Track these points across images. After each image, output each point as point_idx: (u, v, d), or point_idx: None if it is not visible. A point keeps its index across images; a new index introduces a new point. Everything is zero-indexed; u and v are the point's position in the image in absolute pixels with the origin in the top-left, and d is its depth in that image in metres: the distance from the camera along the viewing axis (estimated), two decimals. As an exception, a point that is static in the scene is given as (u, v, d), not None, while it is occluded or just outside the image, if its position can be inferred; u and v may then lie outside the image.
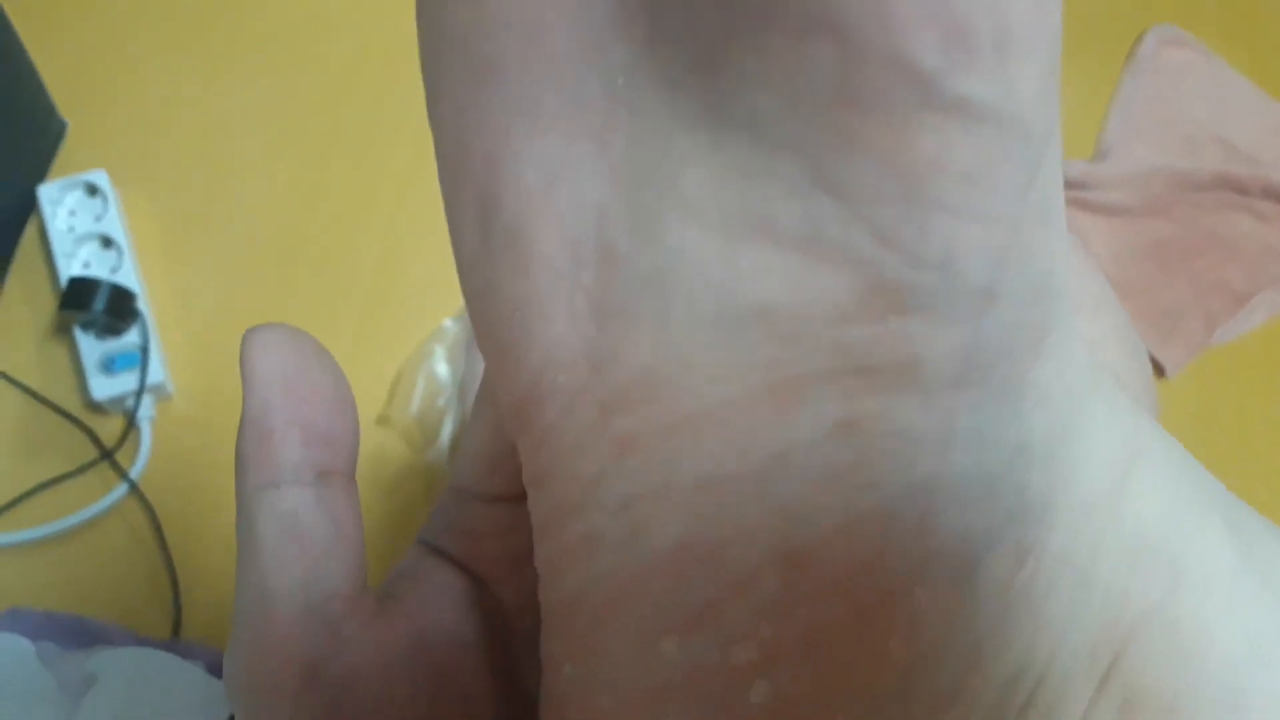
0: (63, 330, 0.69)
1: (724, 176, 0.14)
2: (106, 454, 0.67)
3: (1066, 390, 0.15)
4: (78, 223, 0.70)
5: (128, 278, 0.68)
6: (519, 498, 0.21)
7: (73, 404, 0.68)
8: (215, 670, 0.58)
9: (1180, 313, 0.90)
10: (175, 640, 0.64)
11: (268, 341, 0.18)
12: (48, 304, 0.69)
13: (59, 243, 0.69)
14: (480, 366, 0.73)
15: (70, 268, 0.68)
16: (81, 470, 0.66)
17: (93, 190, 0.70)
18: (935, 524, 0.14)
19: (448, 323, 0.73)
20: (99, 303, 0.64)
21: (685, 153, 0.14)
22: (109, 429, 0.68)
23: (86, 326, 0.67)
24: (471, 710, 0.19)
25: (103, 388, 0.66)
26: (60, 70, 0.73)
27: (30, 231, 0.71)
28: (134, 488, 0.66)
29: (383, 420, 0.71)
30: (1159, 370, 0.88)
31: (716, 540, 0.15)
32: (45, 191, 0.69)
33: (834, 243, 0.14)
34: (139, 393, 0.66)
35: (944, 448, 0.14)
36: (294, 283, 0.73)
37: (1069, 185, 0.93)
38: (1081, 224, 0.92)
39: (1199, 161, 0.96)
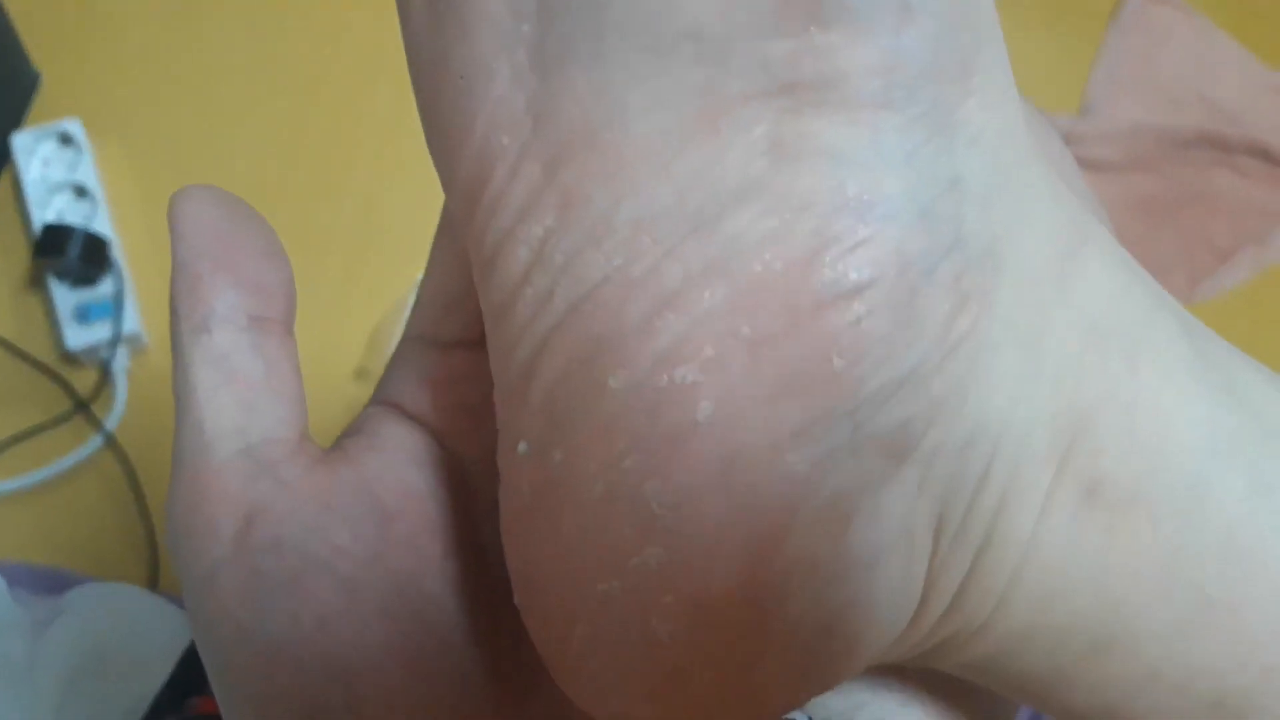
0: (37, 281, 0.68)
1: None
2: (82, 405, 0.66)
3: (1002, 139, 0.16)
4: (51, 172, 0.69)
5: (102, 226, 0.67)
6: (476, 342, 0.21)
7: (48, 355, 0.67)
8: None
9: (1165, 268, 0.90)
10: (152, 593, 0.63)
11: (196, 196, 0.19)
12: (21, 253, 0.69)
13: (33, 191, 0.68)
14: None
15: (44, 217, 0.67)
16: (56, 422, 0.66)
17: (66, 139, 0.69)
18: (869, 240, 0.15)
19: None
20: (73, 250, 0.64)
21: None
22: (84, 381, 0.67)
23: (61, 275, 0.66)
24: (420, 559, 0.19)
25: (77, 337, 0.65)
26: (33, 19, 0.72)
27: (3, 181, 0.70)
28: (110, 439, 0.65)
29: (361, 373, 0.70)
30: (1143, 326, 0.88)
31: (652, 270, 0.15)
32: (19, 140, 0.68)
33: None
34: (114, 342, 0.65)
35: (872, 168, 0.15)
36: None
37: (1053, 142, 0.93)
38: (1066, 180, 0.91)
39: (1183, 118, 0.96)
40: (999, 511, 0.16)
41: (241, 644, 0.17)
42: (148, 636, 0.50)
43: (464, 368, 0.21)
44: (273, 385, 0.18)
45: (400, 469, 0.20)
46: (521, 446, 0.16)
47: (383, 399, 0.22)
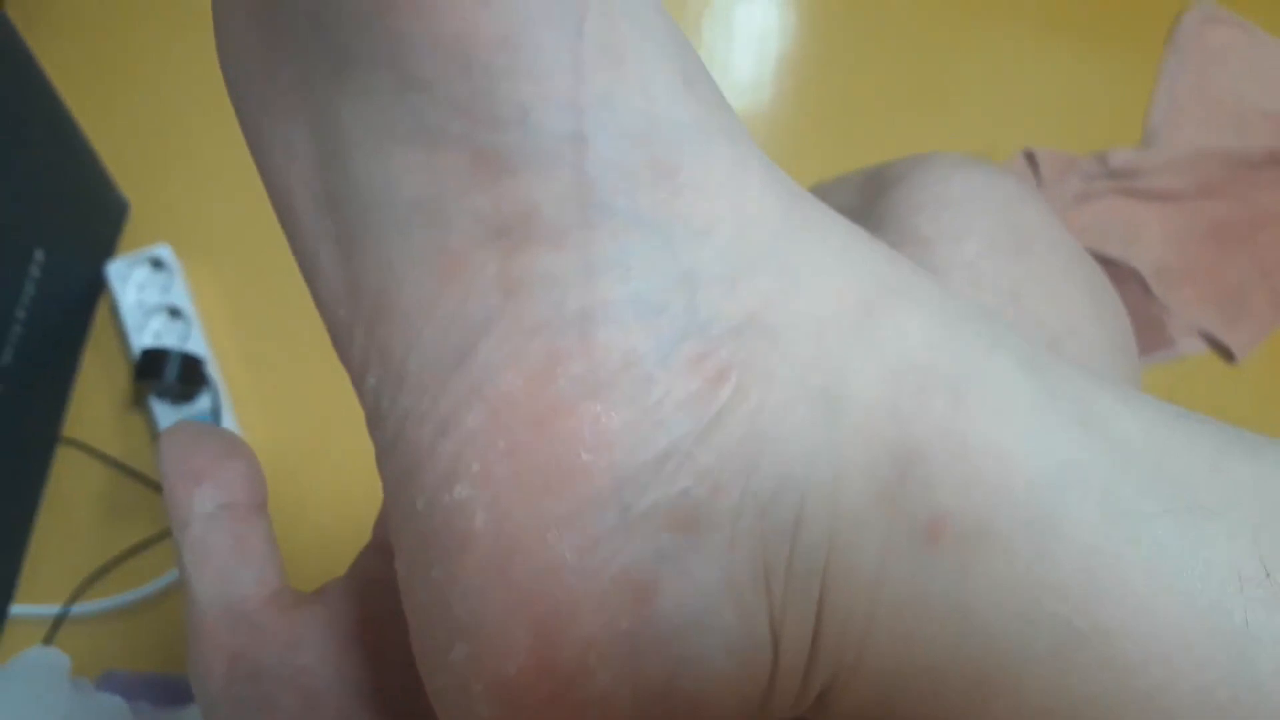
0: (138, 400, 0.71)
1: (355, 105, 0.17)
2: (188, 516, 0.69)
3: (746, 225, 0.17)
4: (146, 296, 0.72)
5: (196, 345, 0.71)
6: None
7: (153, 470, 0.70)
8: None
9: (1245, 294, 0.88)
10: (265, 693, 0.66)
11: (174, 431, 0.24)
12: (123, 376, 0.72)
13: (129, 316, 0.72)
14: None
15: (142, 339, 0.71)
16: (163, 536, 0.69)
17: (158, 264, 0.73)
18: (595, 348, 0.16)
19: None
20: (171, 371, 0.67)
21: (332, 97, 0.18)
22: (188, 492, 0.70)
23: (161, 395, 0.69)
24: (377, 673, 0.22)
25: (180, 453, 0.68)
26: (118, 150, 0.76)
27: (102, 308, 0.74)
28: (216, 547, 0.68)
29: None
30: (1227, 355, 0.86)
31: (432, 404, 0.17)
32: (113, 269, 0.72)
33: (435, 129, 0.16)
34: (214, 455, 0.68)
35: (588, 281, 0.16)
36: (354, 336, 0.75)
37: (1117, 175, 0.92)
38: (1134, 212, 0.91)
39: (1250, 139, 0.95)
40: (829, 554, 0.17)
41: None
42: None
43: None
44: (242, 555, 0.23)
45: (368, 601, 0.23)
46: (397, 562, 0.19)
47: (374, 537, 0.25)
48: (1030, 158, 0.92)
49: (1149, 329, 0.87)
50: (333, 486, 0.71)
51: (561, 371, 0.16)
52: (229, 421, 0.69)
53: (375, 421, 0.19)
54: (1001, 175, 0.35)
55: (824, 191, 0.40)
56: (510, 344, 0.17)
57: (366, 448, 0.68)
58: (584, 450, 0.16)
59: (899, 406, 0.17)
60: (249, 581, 0.23)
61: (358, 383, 0.19)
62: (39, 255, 0.65)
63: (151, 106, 0.82)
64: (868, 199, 0.35)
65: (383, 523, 0.26)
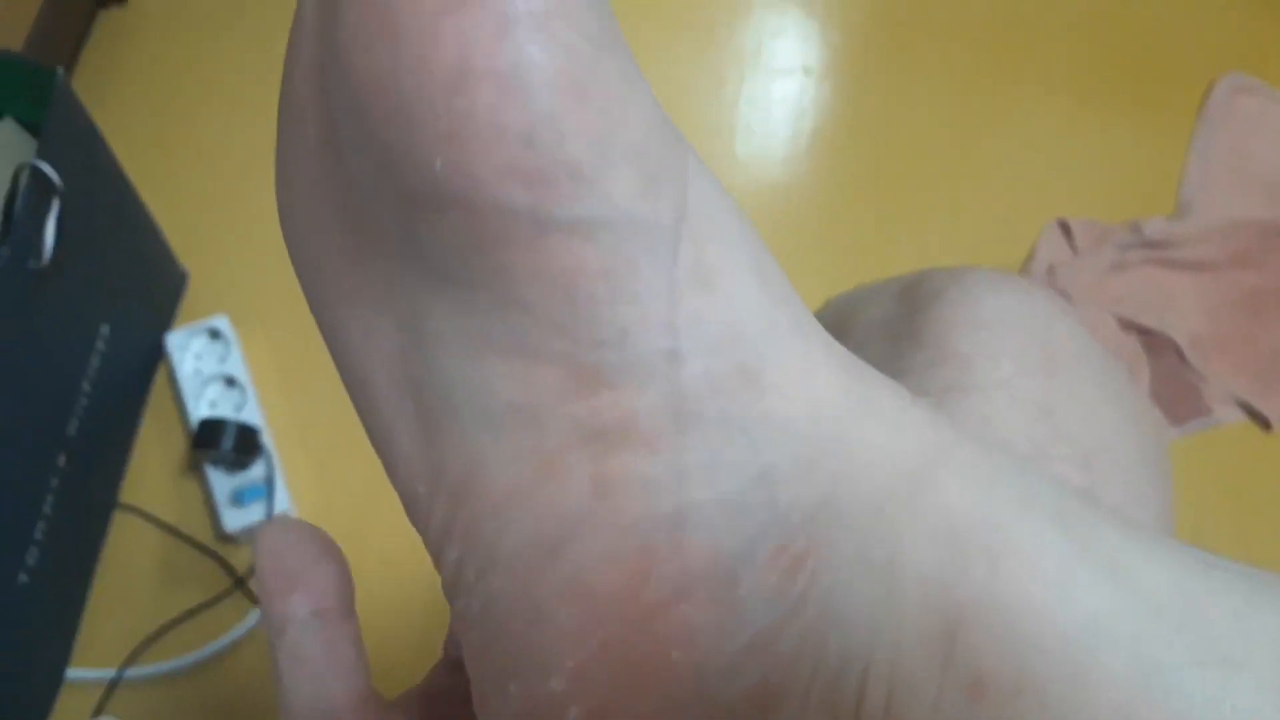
0: (194, 467, 0.73)
1: (450, 312, 0.18)
2: (240, 582, 0.71)
3: (815, 415, 0.18)
4: (203, 365, 0.75)
5: (251, 414, 0.73)
6: None
7: (206, 536, 0.72)
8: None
9: (1277, 362, 0.89)
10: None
11: (268, 530, 0.24)
12: (179, 443, 0.74)
13: (187, 385, 0.74)
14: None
15: (198, 408, 0.73)
16: (217, 600, 0.70)
17: (215, 334, 0.75)
18: (686, 549, 0.17)
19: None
20: (227, 441, 0.69)
21: (424, 301, 0.18)
22: (241, 558, 0.72)
23: (216, 463, 0.71)
24: None
25: (234, 519, 0.70)
26: (178, 222, 0.79)
27: (160, 377, 0.76)
28: (267, 613, 0.70)
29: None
30: (1264, 423, 0.87)
31: (524, 593, 0.18)
32: (172, 338, 0.75)
33: (535, 345, 0.17)
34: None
35: (679, 485, 0.17)
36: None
37: (1150, 246, 0.93)
38: (1169, 281, 0.91)
39: (1283, 208, 0.96)
40: (887, 716, 0.18)
41: None
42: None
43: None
44: (333, 663, 0.24)
45: (445, 706, 0.25)
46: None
47: (445, 654, 0.26)
48: (1064, 227, 0.93)
49: (1185, 397, 0.88)
50: (382, 555, 0.72)
51: (655, 571, 0.17)
52: (281, 489, 0.71)
53: (456, 591, 0.19)
54: (1031, 291, 0.36)
55: (861, 300, 0.41)
56: (604, 541, 0.17)
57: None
58: (675, 649, 0.17)
59: (946, 574, 0.18)
60: (340, 690, 0.24)
61: (435, 551, 0.20)
62: (105, 330, 0.68)
63: (210, 178, 0.85)
64: (905, 311, 0.36)
65: (453, 640, 0.27)
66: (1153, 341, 0.90)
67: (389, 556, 0.72)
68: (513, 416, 0.18)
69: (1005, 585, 0.18)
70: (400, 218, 0.18)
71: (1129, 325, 0.90)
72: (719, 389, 0.17)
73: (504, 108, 0.16)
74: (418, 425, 0.19)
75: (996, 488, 0.19)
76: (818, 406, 0.18)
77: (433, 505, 0.19)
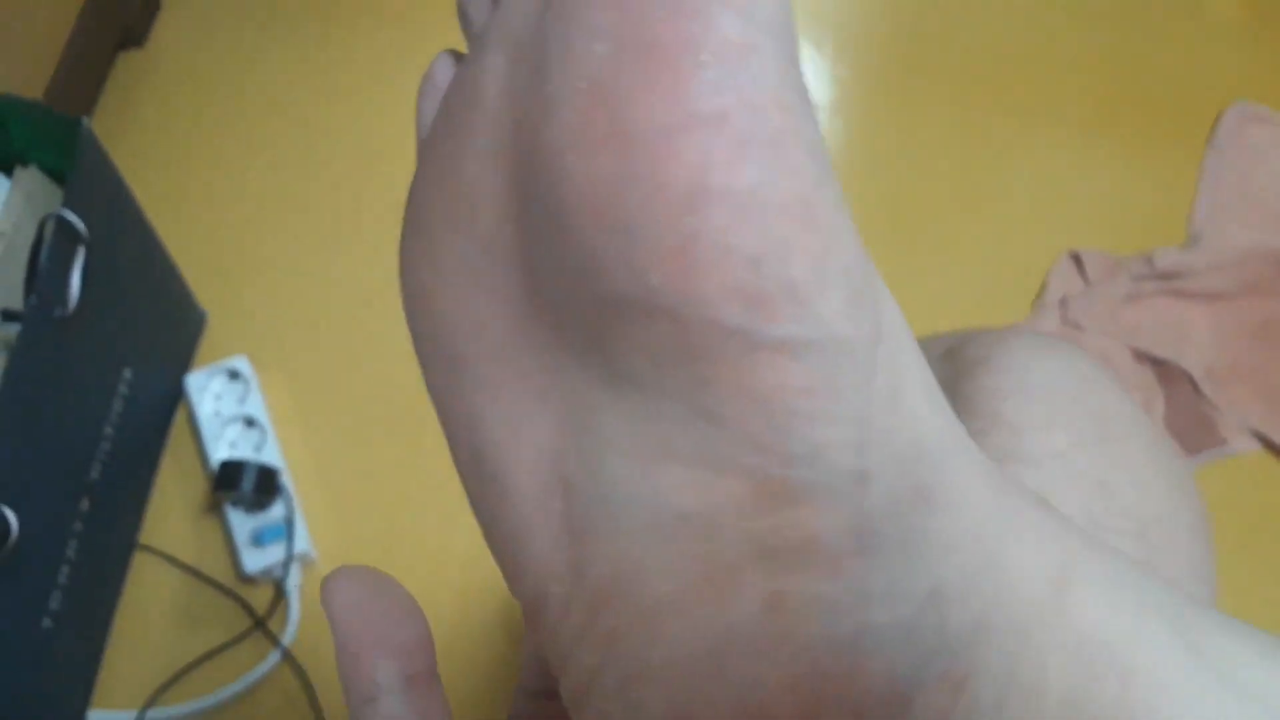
0: (214, 508, 0.74)
1: (629, 418, 0.18)
2: (260, 623, 0.71)
3: (975, 532, 0.18)
4: (223, 406, 0.75)
5: (271, 455, 0.73)
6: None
7: (226, 577, 0.73)
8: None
9: (1294, 392, 0.89)
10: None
11: (341, 580, 0.22)
12: (199, 484, 0.75)
13: (207, 426, 0.74)
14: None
15: (218, 449, 0.74)
16: (237, 640, 0.71)
17: (234, 375, 0.76)
18: (863, 673, 0.17)
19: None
20: (247, 483, 0.69)
21: (598, 403, 0.18)
22: (260, 599, 0.72)
23: (236, 504, 0.72)
24: None
25: (254, 560, 0.70)
26: (197, 262, 0.80)
27: (180, 418, 0.77)
28: (286, 654, 0.70)
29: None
30: (1276, 451, 0.87)
31: (685, 710, 0.17)
32: (192, 380, 0.75)
33: (723, 457, 0.17)
34: (287, 563, 0.70)
35: (858, 608, 0.17)
36: (419, 444, 0.78)
37: (1163, 277, 0.93)
38: (1182, 312, 0.92)
39: (1295, 237, 0.96)
40: None
41: None
42: None
43: (552, 712, 0.25)
44: None
45: None
46: None
47: (523, 681, 0.26)
48: (1076, 259, 0.94)
49: (1200, 428, 0.88)
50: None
51: (830, 694, 0.17)
52: (301, 529, 0.71)
53: (588, 697, 0.19)
54: (1077, 357, 0.36)
55: None
56: (775, 661, 0.17)
57: (434, 553, 0.71)
58: None
59: (1083, 693, 0.18)
60: None
61: (562, 653, 0.19)
62: (127, 374, 0.68)
63: (227, 218, 0.86)
64: (951, 375, 0.37)
65: (531, 667, 0.27)
66: (1166, 372, 0.90)
67: (408, 596, 0.72)
68: (683, 526, 0.17)
69: (1135, 703, 0.18)
70: (591, 320, 0.18)
71: (1142, 356, 0.90)
72: (899, 510, 0.17)
73: (736, 229, 0.16)
74: (562, 525, 0.19)
75: (1121, 597, 0.19)
76: (978, 524, 0.18)
77: (569, 607, 0.19)
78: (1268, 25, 1.05)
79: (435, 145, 0.21)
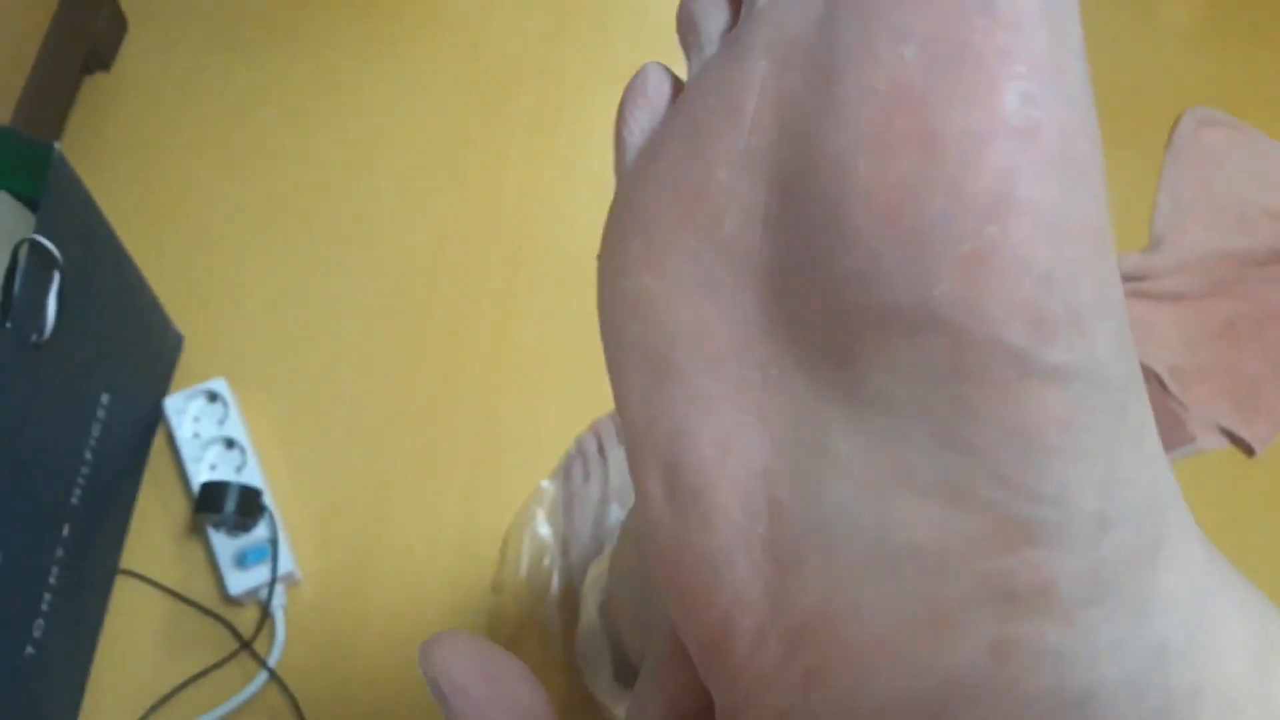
0: (197, 531, 0.74)
1: (866, 442, 0.17)
2: (245, 644, 0.71)
3: (1194, 590, 0.17)
4: (202, 429, 0.75)
5: (252, 476, 0.73)
6: None
7: (211, 599, 0.72)
8: None
9: (1259, 389, 0.91)
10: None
11: (447, 648, 0.21)
12: (181, 507, 0.75)
13: (187, 449, 0.74)
14: (577, 516, 0.76)
15: (199, 471, 0.73)
16: (223, 662, 0.70)
17: (213, 397, 0.76)
18: None
19: (544, 484, 0.76)
20: (230, 504, 0.69)
21: (831, 424, 0.17)
22: (245, 620, 0.72)
23: (219, 526, 0.71)
24: None
25: (238, 582, 0.70)
26: (172, 284, 0.79)
27: (159, 440, 0.76)
28: (273, 675, 0.70)
29: (496, 587, 0.74)
30: (1247, 450, 0.88)
31: None
32: (170, 403, 0.75)
33: (965, 489, 0.16)
34: (271, 583, 0.70)
35: (1090, 661, 0.16)
36: (400, 461, 0.78)
37: (1127, 278, 0.95)
38: (1145, 314, 0.93)
39: (1254, 237, 0.98)
40: None
41: None
42: None
43: None
44: None
45: None
46: None
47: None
48: (1043, 262, 0.95)
49: (1169, 427, 0.89)
50: (386, 613, 0.72)
51: None
52: (284, 549, 0.71)
53: None
54: None
55: None
56: (997, 712, 0.16)
57: (418, 570, 0.71)
58: None
59: None
60: None
61: (748, 696, 0.18)
62: (105, 399, 0.68)
63: (200, 240, 0.85)
64: None
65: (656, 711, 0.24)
66: (1134, 372, 0.92)
67: (392, 615, 0.72)
68: (910, 561, 0.16)
69: None
70: (844, 333, 0.17)
71: (1110, 357, 0.92)
72: (1133, 559, 0.16)
73: (1036, 243, 0.15)
74: (765, 552, 0.18)
75: None
76: (1195, 581, 0.17)
77: (763, 643, 0.17)
78: (1220, 31, 1.07)
79: (667, 149, 0.20)
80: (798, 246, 0.17)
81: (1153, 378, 0.91)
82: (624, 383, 0.20)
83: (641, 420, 0.20)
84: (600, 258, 0.21)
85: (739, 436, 0.18)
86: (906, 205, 0.16)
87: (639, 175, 0.21)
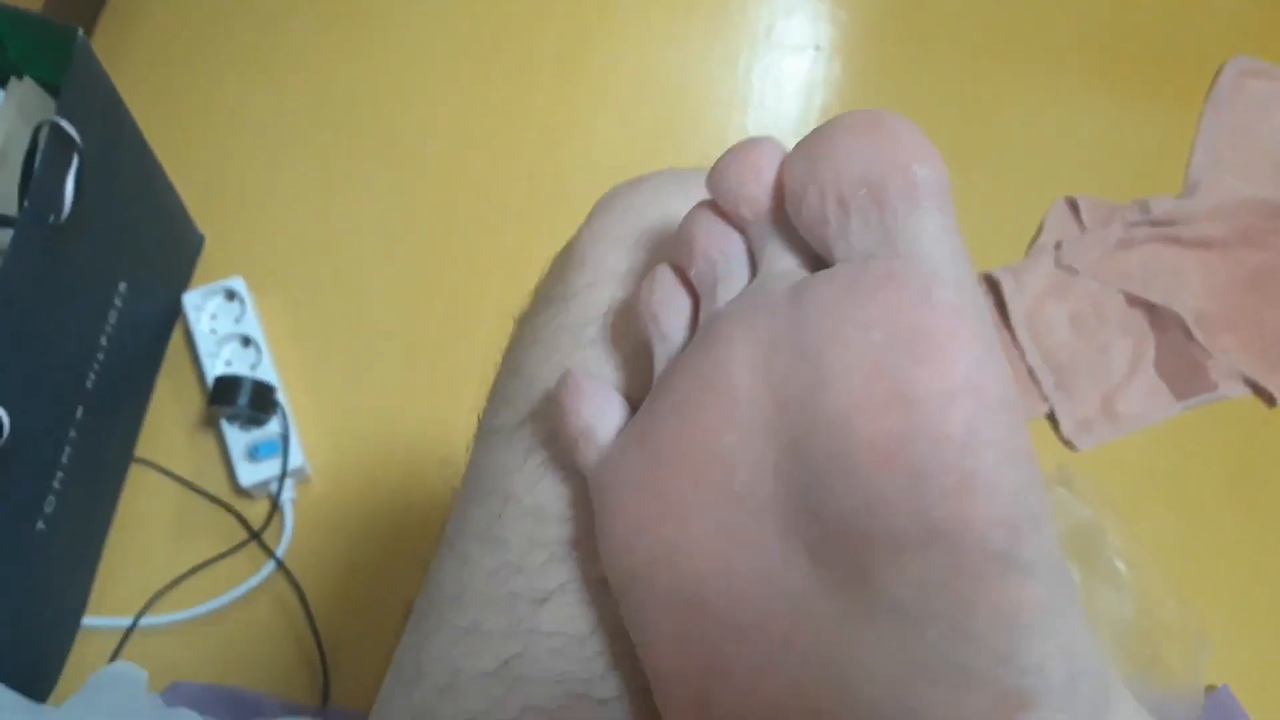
0: (210, 423, 0.75)
1: (888, 647, 0.20)
2: (254, 535, 0.72)
3: None
4: (219, 325, 0.76)
5: (266, 372, 0.74)
6: None
7: (222, 490, 0.74)
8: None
9: (1283, 339, 0.89)
10: (325, 708, 0.68)
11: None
12: (196, 400, 0.76)
13: (203, 344, 0.75)
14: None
15: (214, 367, 0.75)
16: (232, 551, 0.72)
17: (231, 295, 0.77)
18: None
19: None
20: (243, 397, 0.70)
21: (854, 635, 0.20)
22: (255, 512, 0.73)
23: (232, 419, 0.72)
24: None
25: (249, 474, 0.71)
26: (196, 186, 0.80)
27: (177, 335, 0.77)
28: (280, 565, 0.71)
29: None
30: (1269, 399, 0.87)
31: None
32: (189, 299, 0.76)
33: (973, 670, 0.19)
34: (281, 477, 0.71)
35: None
36: (414, 367, 0.79)
37: (1159, 222, 0.93)
38: (1176, 259, 0.92)
39: (1291, 187, 0.96)
40: None
41: None
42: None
43: None
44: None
45: None
46: None
47: None
48: (1072, 205, 0.94)
49: (1191, 373, 0.88)
50: (392, 508, 0.74)
51: None
52: (295, 445, 0.72)
53: None
54: None
55: None
56: None
57: (423, 473, 0.72)
58: None
59: None
60: None
61: None
62: (122, 287, 0.69)
63: (226, 143, 0.86)
64: None
65: None
66: (1158, 317, 0.90)
67: (398, 513, 0.74)
68: None
69: None
70: (858, 557, 0.20)
71: (1135, 300, 0.91)
72: (1097, 709, 0.20)
73: (1003, 467, 0.19)
74: None
75: None
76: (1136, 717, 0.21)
77: None
78: (1271, -22, 1.05)
79: (673, 423, 0.23)
80: (809, 490, 0.21)
81: (1177, 323, 0.89)
82: (652, 629, 0.23)
83: (674, 658, 0.23)
84: (600, 528, 0.24)
85: (771, 662, 0.21)
86: (900, 450, 0.19)
87: (648, 441, 0.24)
